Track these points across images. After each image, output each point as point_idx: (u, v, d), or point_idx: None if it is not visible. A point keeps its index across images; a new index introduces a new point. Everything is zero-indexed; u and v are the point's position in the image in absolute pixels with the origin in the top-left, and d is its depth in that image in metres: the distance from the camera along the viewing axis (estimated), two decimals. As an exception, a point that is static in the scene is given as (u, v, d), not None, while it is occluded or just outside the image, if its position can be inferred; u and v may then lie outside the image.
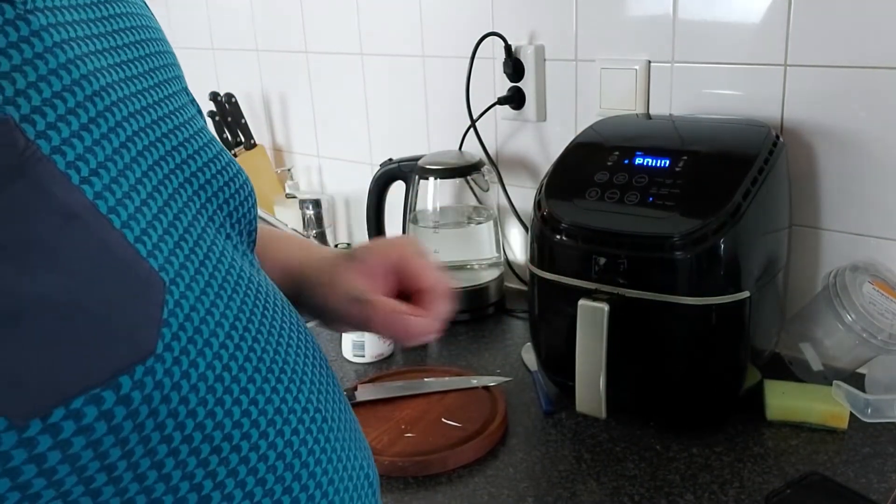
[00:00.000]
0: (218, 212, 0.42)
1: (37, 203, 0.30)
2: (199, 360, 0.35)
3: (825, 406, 0.86)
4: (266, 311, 0.42)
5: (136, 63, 0.41)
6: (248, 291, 0.41)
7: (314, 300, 0.56)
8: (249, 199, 0.46)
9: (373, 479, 0.49)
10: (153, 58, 0.43)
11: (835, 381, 0.88)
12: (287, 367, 0.42)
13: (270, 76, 1.63)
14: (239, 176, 0.46)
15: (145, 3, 0.48)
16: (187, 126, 0.42)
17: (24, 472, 0.29)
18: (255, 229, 0.48)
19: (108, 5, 0.41)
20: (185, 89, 0.47)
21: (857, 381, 0.90)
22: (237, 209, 0.45)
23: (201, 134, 0.44)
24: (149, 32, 0.45)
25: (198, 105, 0.50)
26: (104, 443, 0.31)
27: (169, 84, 0.44)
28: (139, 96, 0.39)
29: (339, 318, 0.57)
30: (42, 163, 0.30)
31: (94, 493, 0.32)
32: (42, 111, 0.31)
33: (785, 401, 0.88)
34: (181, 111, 0.43)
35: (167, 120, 0.40)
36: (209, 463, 0.35)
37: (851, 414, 0.86)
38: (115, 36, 0.40)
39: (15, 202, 0.29)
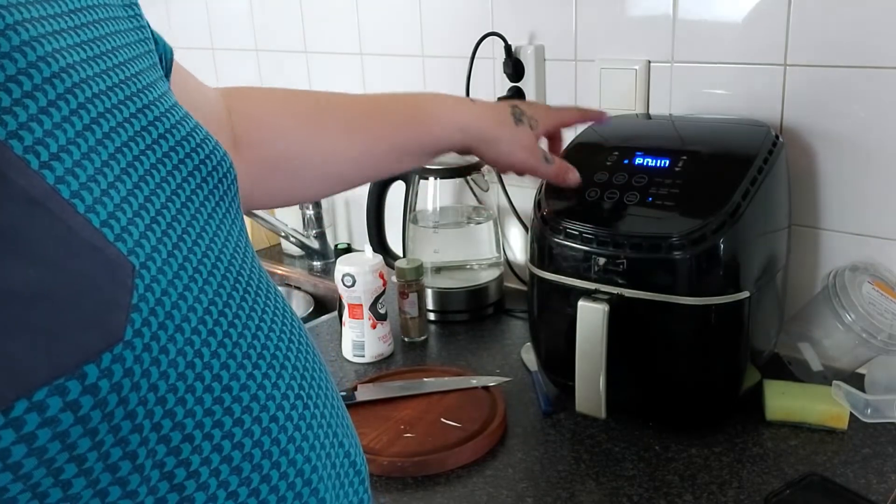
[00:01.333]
0: (198, 190, 0.41)
1: None
2: (170, 346, 0.34)
3: (825, 406, 0.86)
4: (246, 295, 0.41)
5: (101, 41, 0.39)
6: (228, 274, 0.40)
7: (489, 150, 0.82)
8: (228, 175, 0.45)
9: (360, 467, 0.48)
10: (119, 35, 0.42)
11: (834, 382, 0.88)
12: (266, 352, 0.41)
13: (270, 76, 1.63)
14: (214, 153, 0.44)
15: None
16: (159, 102, 0.41)
17: None
18: (238, 204, 0.47)
19: None
20: (156, 63, 0.46)
21: (856, 381, 0.89)
22: (220, 183, 0.43)
23: (174, 110, 0.42)
24: (111, 10, 0.43)
25: (163, 56, 0.48)
26: (71, 434, 0.30)
27: (139, 60, 0.42)
28: (105, 75, 0.37)
29: (505, 167, 0.85)
30: None
31: (64, 485, 0.31)
32: None
33: (784, 401, 0.88)
34: (152, 87, 0.41)
35: (137, 98, 0.39)
36: (181, 451, 0.35)
37: (851, 414, 0.85)
38: (77, 15, 0.39)
39: None
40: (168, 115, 0.41)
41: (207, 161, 0.42)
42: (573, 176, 0.86)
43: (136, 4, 0.48)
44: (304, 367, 0.44)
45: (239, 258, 0.43)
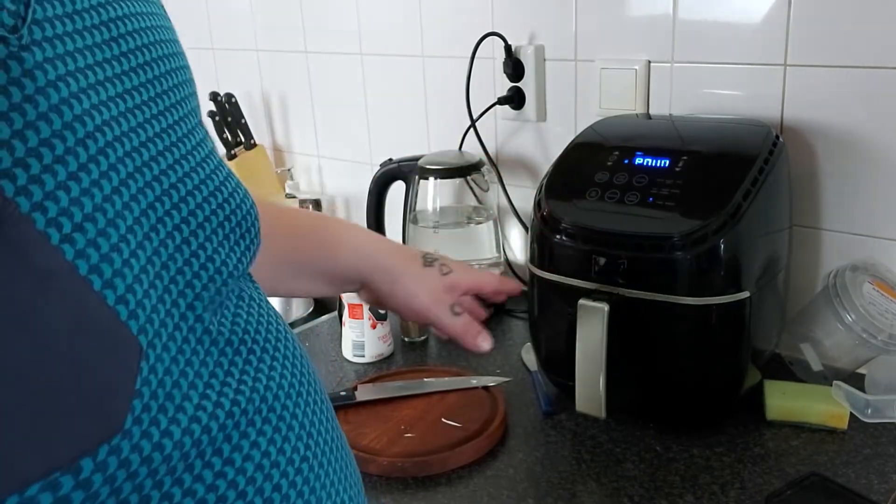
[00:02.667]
0: (219, 248, 0.39)
1: (9, 268, 0.27)
2: (173, 428, 0.32)
3: (825, 406, 0.86)
4: (251, 356, 0.40)
5: (144, 88, 0.37)
6: (232, 338, 0.39)
7: (382, 283, 0.72)
8: (254, 227, 0.43)
9: None
10: (165, 78, 0.39)
11: (835, 382, 0.88)
12: (272, 414, 0.39)
13: (270, 76, 1.63)
14: (239, 209, 0.42)
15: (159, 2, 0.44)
16: (191, 155, 0.39)
17: None
18: (257, 247, 0.45)
19: (112, 7, 0.37)
20: (196, 108, 0.43)
21: (857, 381, 0.89)
22: (241, 239, 0.42)
23: (207, 161, 0.40)
24: (160, 34, 0.40)
25: (204, 127, 0.45)
26: None
27: (178, 107, 0.40)
28: (141, 128, 0.35)
29: (404, 310, 0.73)
30: (19, 224, 0.28)
31: None
32: (25, 163, 0.28)
33: (785, 401, 0.88)
34: (188, 137, 0.39)
35: (170, 152, 0.37)
36: None
37: (851, 414, 0.85)
38: (122, 59, 0.36)
39: None
40: (200, 168, 0.39)
41: (236, 212, 0.41)
42: (483, 341, 0.75)
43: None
44: (310, 423, 0.43)
45: (253, 320, 0.42)
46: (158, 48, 0.39)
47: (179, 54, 0.42)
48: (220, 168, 0.41)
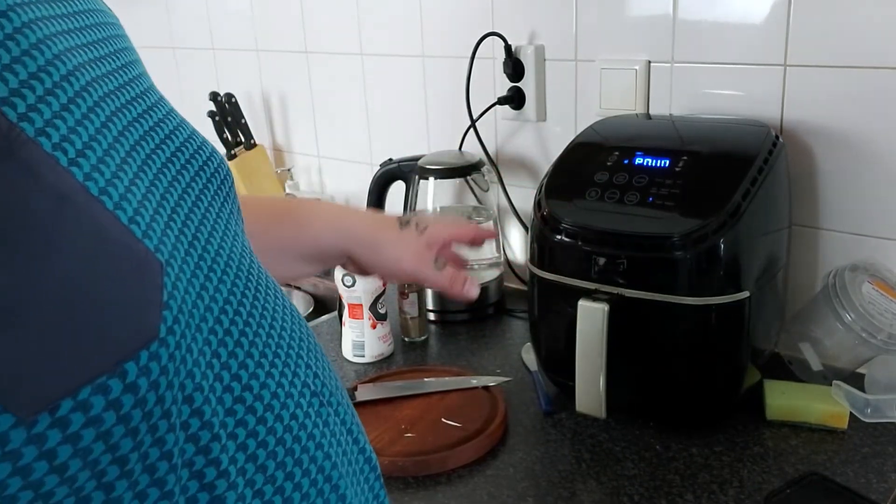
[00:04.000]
0: (205, 190, 0.41)
1: (28, 186, 0.28)
2: (193, 346, 0.34)
3: (825, 406, 0.86)
4: (258, 293, 0.42)
5: (104, 43, 0.40)
6: (240, 272, 0.41)
7: (366, 254, 0.73)
8: (228, 178, 0.45)
9: (374, 462, 0.48)
10: (113, 41, 0.42)
11: (834, 381, 0.88)
12: (280, 350, 0.41)
13: (270, 76, 1.63)
14: (214, 156, 0.44)
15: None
16: (158, 106, 0.41)
17: (36, 470, 0.28)
18: (238, 207, 0.47)
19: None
20: (145, 73, 0.45)
21: (857, 381, 0.90)
22: (220, 188, 0.44)
23: (172, 114, 0.42)
24: (102, 17, 0.43)
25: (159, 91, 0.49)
26: (114, 434, 0.30)
27: (132, 66, 0.42)
28: (109, 77, 0.37)
29: (391, 275, 0.77)
30: (28, 145, 0.29)
31: (107, 488, 0.31)
32: (21, 93, 0.30)
33: (785, 401, 0.88)
34: (149, 93, 0.42)
35: (139, 101, 0.39)
36: (210, 450, 0.35)
37: (851, 414, 0.86)
38: (81, 17, 0.39)
39: (6, 186, 0.28)
40: (168, 118, 0.41)
41: (207, 164, 0.43)
42: (470, 287, 0.77)
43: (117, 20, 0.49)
44: (315, 365, 0.44)
45: (246, 259, 0.43)
46: (98, 16, 0.42)
47: (115, 24, 0.45)
48: (184, 124, 0.43)
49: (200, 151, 0.42)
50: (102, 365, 0.29)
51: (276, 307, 0.43)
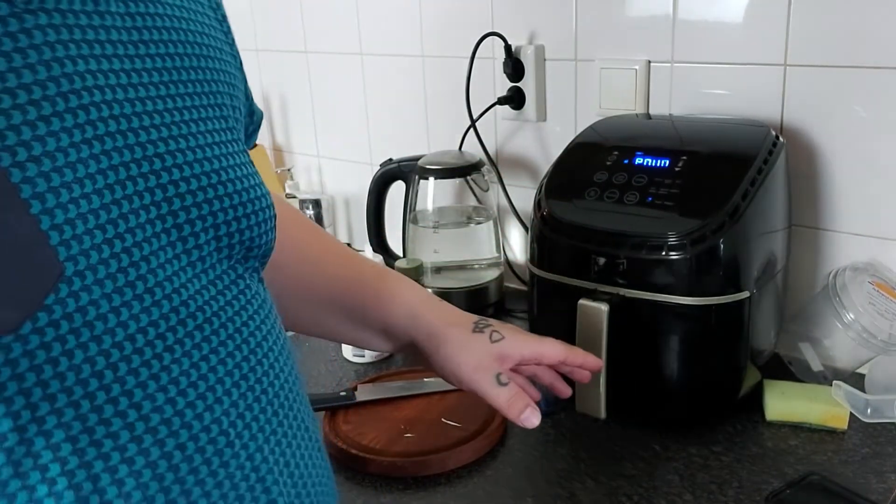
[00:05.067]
0: (205, 237, 0.42)
1: None
2: (77, 349, 0.36)
3: (825, 406, 0.86)
4: (200, 328, 0.41)
5: (153, 70, 0.40)
6: (185, 307, 0.40)
7: (424, 347, 0.69)
8: (261, 226, 0.45)
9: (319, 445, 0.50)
10: (183, 68, 0.43)
11: (834, 382, 0.88)
12: (200, 386, 0.41)
13: (270, 76, 1.63)
14: (253, 204, 0.44)
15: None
16: (190, 145, 0.42)
17: None
18: (258, 255, 0.47)
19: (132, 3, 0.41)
20: (229, 107, 0.47)
21: (856, 381, 0.89)
22: (233, 236, 0.44)
23: (213, 158, 0.43)
24: (182, 34, 0.44)
25: (250, 115, 0.50)
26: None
27: (206, 98, 0.44)
28: (139, 103, 0.39)
29: (448, 377, 0.69)
30: None
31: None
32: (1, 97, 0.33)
33: (784, 401, 0.88)
34: (214, 136, 0.43)
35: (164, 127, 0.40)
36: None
37: (851, 414, 0.85)
38: (138, 44, 0.40)
39: None
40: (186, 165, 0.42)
41: (206, 217, 0.42)
42: (532, 417, 0.66)
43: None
44: (261, 383, 0.44)
45: (215, 300, 0.42)
46: (175, 33, 0.44)
47: (205, 45, 0.47)
48: (244, 171, 0.45)
49: (227, 200, 0.43)
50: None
51: (234, 350, 0.43)
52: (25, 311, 0.33)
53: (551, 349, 0.72)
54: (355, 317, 0.71)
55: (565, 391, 0.75)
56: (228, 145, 0.45)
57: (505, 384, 0.67)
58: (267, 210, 0.46)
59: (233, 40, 0.54)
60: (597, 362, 0.74)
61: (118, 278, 0.37)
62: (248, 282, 0.46)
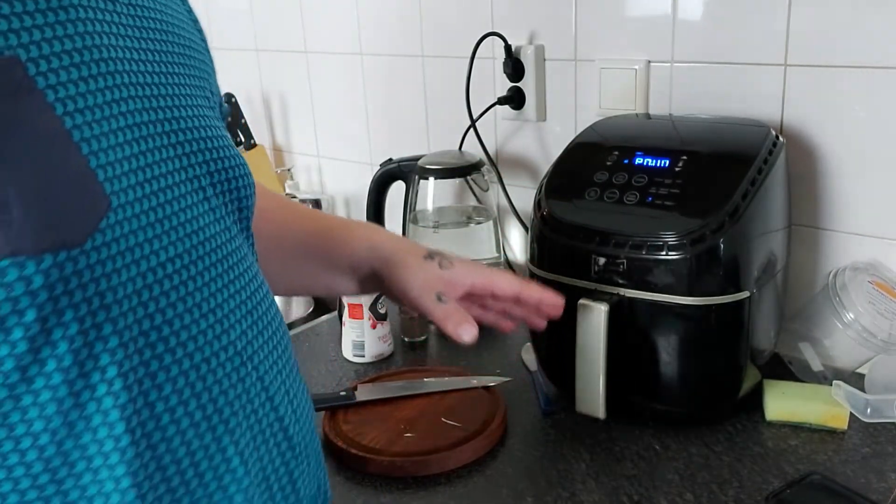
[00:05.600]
0: (212, 191, 0.48)
1: (18, 119, 0.37)
2: (123, 268, 0.41)
3: (825, 406, 0.86)
4: (215, 265, 0.47)
5: (157, 51, 0.47)
6: (203, 246, 0.46)
7: (382, 274, 0.73)
8: (248, 188, 0.52)
9: (289, 431, 0.53)
10: (177, 53, 0.50)
11: (834, 381, 0.88)
12: (211, 314, 0.46)
13: (270, 76, 1.63)
14: (235, 168, 0.51)
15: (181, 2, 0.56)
16: (194, 114, 0.48)
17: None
18: (247, 215, 0.54)
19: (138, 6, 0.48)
20: (209, 91, 0.53)
21: (857, 381, 0.90)
22: (231, 192, 0.50)
23: (211, 126, 0.49)
24: (176, 28, 0.52)
25: (219, 106, 0.56)
26: (21, 301, 0.37)
27: (189, 75, 0.50)
28: (154, 75, 0.46)
29: (399, 299, 0.73)
30: (34, 93, 0.38)
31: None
32: (49, 59, 0.39)
33: (784, 401, 0.88)
34: (193, 100, 0.49)
35: (173, 105, 0.47)
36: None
37: (851, 414, 0.86)
38: (143, 30, 0.47)
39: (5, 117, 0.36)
40: (202, 126, 0.49)
41: (231, 170, 0.51)
42: (466, 331, 0.68)
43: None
44: (256, 339, 0.50)
45: (227, 243, 0.49)
46: (170, 27, 0.52)
47: (190, 39, 0.56)
48: (222, 136, 0.51)
49: (223, 159, 0.50)
50: (22, 248, 0.36)
51: (234, 283, 0.49)
52: (86, 231, 0.39)
53: (504, 280, 0.75)
54: (323, 261, 0.78)
55: (509, 327, 0.79)
56: (215, 120, 0.52)
57: (444, 302, 0.70)
58: (250, 175, 0.54)
59: (206, 42, 0.63)
60: (556, 299, 0.75)
61: (150, 214, 0.43)
62: (245, 235, 0.54)
